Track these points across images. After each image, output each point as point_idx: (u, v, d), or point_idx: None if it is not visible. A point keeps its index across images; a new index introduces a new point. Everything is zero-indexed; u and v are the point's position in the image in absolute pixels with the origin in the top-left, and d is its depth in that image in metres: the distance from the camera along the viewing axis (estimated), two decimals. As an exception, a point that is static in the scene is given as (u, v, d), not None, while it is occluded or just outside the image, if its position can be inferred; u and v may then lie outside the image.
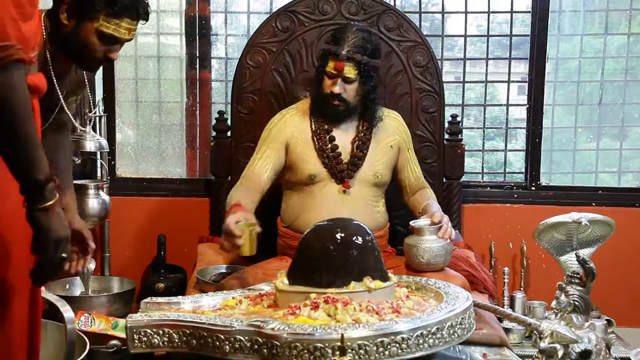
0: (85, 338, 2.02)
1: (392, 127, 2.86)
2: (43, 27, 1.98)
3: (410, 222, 2.67)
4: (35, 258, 1.45)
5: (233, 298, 2.29)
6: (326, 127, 2.77)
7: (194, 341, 2.02)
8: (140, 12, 2.05)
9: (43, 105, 2.02)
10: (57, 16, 1.99)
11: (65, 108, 2.15)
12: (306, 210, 2.75)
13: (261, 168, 2.73)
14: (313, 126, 2.78)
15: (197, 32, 3.59)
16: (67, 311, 1.79)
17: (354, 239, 2.16)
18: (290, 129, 2.78)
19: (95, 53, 2.02)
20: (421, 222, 2.65)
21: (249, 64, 3.23)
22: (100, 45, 2.00)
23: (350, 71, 2.65)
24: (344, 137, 2.78)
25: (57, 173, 1.89)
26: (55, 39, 2.00)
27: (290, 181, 2.82)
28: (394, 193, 2.96)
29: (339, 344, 1.73)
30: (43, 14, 2.00)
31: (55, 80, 2.02)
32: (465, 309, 2.07)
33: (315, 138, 2.76)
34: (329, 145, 2.75)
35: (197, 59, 3.62)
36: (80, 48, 2.00)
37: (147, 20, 2.11)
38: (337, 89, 2.67)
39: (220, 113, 3.35)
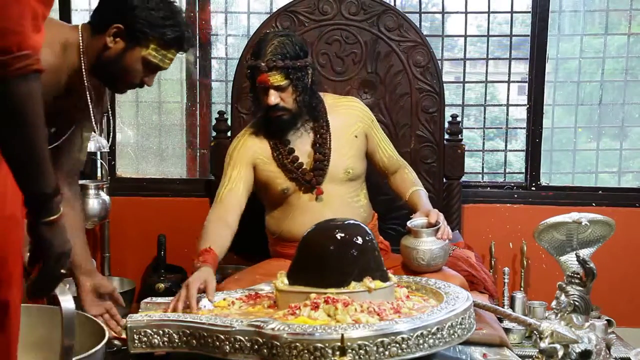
0: (105, 327, 1.85)
1: (352, 116, 2.78)
2: (80, 40, 1.95)
3: (407, 223, 2.64)
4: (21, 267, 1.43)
5: (224, 299, 2.29)
6: (283, 139, 2.70)
7: (194, 341, 2.02)
8: (185, 45, 2.04)
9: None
10: (100, 35, 1.95)
11: (94, 128, 2.12)
12: (288, 221, 2.72)
13: (235, 188, 2.66)
14: (271, 143, 2.72)
15: (197, 32, 3.59)
16: (66, 301, 1.52)
17: (354, 239, 2.16)
18: (252, 150, 2.71)
19: (135, 79, 2.00)
20: (418, 221, 2.62)
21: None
22: (141, 72, 1.99)
23: (277, 79, 2.57)
24: (302, 144, 2.72)
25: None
26: (92, 57, 1.97)
27: (266, 198, 2.79)
28: (394, 194, 2.96)
29: (339, 344, 1.73)
30: (80, 26, 1.98)
31: (89, 99, 1.99)
32: (466, 309, 2.07)
33: (275, 154, 2.71)
34: (290, 158, 2.70)
35: (197, 59, 3.62)
36: (120, 72, 1.98)
37: (187, 51, 2.10)
38: (272, 100, 2.58)
39: (220, 113, 3.35)
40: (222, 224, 2.58)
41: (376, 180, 2.95)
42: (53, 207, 1.35)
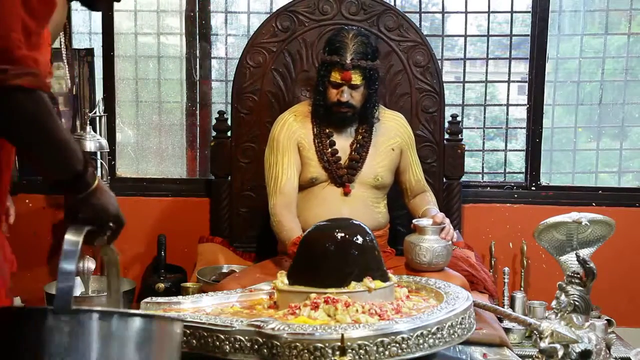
0: None
1: (394, 130, 2.87)
2: None
3: (414, 221, 2.68)
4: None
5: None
6: (327, 131, 2.78)
7: (194, 341, 2.02)
8: None
9: None
10: None
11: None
12: (307, 210, 2.75)
13: (291, 177, 2.73)
14: (315, 130, 2.79)
15: (197, 32, 3.59)
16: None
17: (354, 239, 2.16)
18: (296, 134, 2.78)
19: None
20: (424, 221, 2.66)
21: (249, 64, 3.23)
22: None
23: (356, 78, 2.66)
24: (343, 140, 2.80)
25: None
26: None
27: None
28: (395, 193, 2.97)
29: (339, 344, 1.73)
30: None
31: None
32: (465, 309, 2.07)
33: (316, 141, 2.78)
34: (329, 150, 2.77)
35: (197, 59, 3.62)
36: None
37: None
38: (345, 97, 2.68)
39: (220, 113, 3.35)
40: (291, 215, 2.68)
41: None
42: (89, 179, 1.40)
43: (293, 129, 2.79)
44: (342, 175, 2.76)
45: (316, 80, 2.80)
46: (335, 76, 2.67)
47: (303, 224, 2.65)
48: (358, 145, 2.78)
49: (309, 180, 2.77)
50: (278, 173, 2.73)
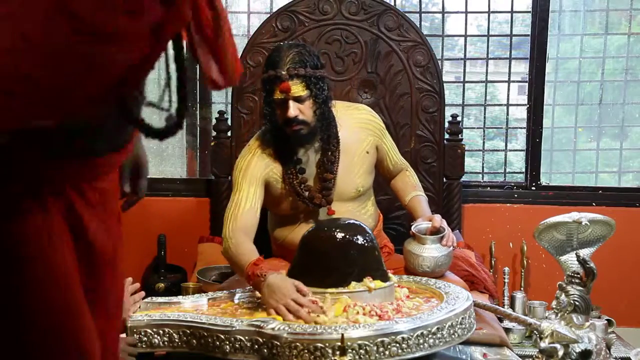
0: None
1: (363, 130, 2.68)
2: None
3: (412, 228, 2.60)
4: None
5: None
6: (294, 159, 2.58)
7: (194, 341, 2.02)
8: None
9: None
10: None
11: None
12: (294, 232, 2.64)
13: (251, 206, 2.51)
14: (282, 162, 2.59)
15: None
16: None
17: (354, 239, 2.16)
18: (264, 167, 2.58)
19: None
20: (422, 225, 2.59)
21: (249, 64, 3.23)
22: None
23: (298, 89, 2.45)
24: (311, 163, 2.61)
25: None
26: None
27: (273, 209, 2.72)
28: (393, 194, 2.96)
29: (339, 344, 1.73)
30: None
31: None
32: (466, 309, 2.08)
33: (285, 175, 2.59)
34: (299, 178, 2.58)
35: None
36: None
37: None
38: (292, 112, 2.44)
39: (220, 113, 3.35)
40: (249, 240, 2.44)
41: (377, 179, 2.95)
42: None
43: (265, 162, 2.58)
44: (318, 202, 2.59)
45: (261, 106, 2.60)
46: (277, 92, 2.48)
47: (294, 244, 2.43)
48: (329, 163, 2.57)
49: (289, 210, 2.65)
50: (241, 200, 2.51)
